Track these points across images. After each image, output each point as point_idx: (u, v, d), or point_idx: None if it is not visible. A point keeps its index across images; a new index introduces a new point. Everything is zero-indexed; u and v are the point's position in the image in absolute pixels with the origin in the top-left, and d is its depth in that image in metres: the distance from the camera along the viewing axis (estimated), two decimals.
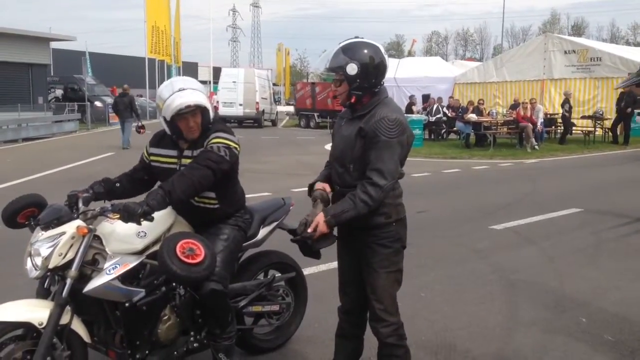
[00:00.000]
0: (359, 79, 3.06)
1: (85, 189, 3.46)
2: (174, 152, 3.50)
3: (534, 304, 5.03)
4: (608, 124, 20.68)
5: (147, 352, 3.28)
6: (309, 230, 3.05)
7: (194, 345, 3.50)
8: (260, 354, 4.03)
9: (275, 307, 3.98)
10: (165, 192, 3.05)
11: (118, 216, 3.05)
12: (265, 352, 4.04)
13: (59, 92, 34.12)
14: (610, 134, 20.53)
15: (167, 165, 3.51)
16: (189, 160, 3.37)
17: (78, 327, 3.12)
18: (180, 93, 3.34)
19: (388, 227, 3.14)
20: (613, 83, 22.33)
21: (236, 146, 3.43)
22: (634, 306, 5.02)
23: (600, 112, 20.88)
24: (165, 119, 3.39)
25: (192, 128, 3.39)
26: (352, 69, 3.04)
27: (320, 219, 3.04)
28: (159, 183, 3.45)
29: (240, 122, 30.63)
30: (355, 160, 3.09)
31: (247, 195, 3.87)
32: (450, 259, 6.48)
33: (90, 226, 3.12)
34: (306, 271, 5.42)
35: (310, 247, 3.09)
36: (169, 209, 3.39)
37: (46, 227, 3.07)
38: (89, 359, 3.27)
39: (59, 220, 3.07)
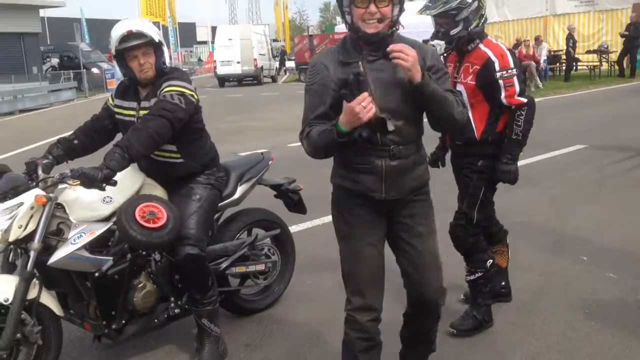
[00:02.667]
0: None
1: (44, 154, 3.28)
2: (134, 104, 3.33)
3: (532, 246, 4.86)
4: (614, 57, 20.14)
5: (123, 321, 3.16)
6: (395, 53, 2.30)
7: (175, 311, 3.38)
8: (250, 315, 3.91)
9: (261, 267, 3.84)
10: (123, 149, 2.88)
11: (78, 182, 2.87)
12: (254, 313, 3.92)
13: (54, 61, 33.70)
14: (616, 67, 20.00)
15: (127, 117, 3.34)
16: (146, 112, 3.19)
17: (48, 300, 2.99)
18: (122, 22, 3.19)
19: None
20: (618, 15, 21.68)
21: (192, 93, 3.23)
22: (636, 241, 4.85)
23: (606, 46, 20.31)
24: (115, 58, 3.23)
25: (143, 66, 3.19)
26: None
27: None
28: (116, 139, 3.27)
29: (240, 80, 30.21)
30: (416, 106, 2.44)
31: (243, 153, 3.68)
32: (448, 204, 6.30)
33: (51, 194, 2.96)
34: (299, 227, 5.31)
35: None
36: (135, 171, 3.24)
37: (2, 199, 2.91)
38: (69, 332, 3.19)
39: (16, 191, 2.91)
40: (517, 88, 3.27)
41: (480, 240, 3.58)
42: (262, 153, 4.02)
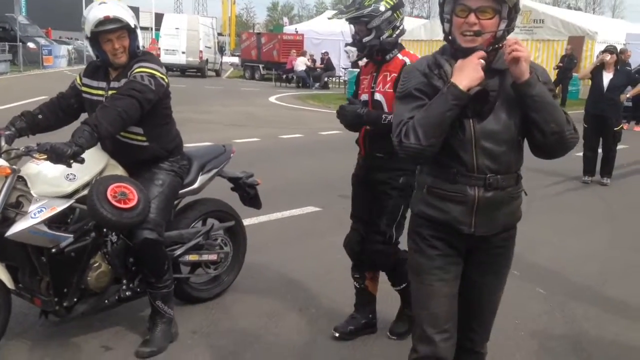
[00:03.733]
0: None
1: (6, 126, 3.22)
2: (103, 84, 3.32)
3: None
4: None
5: (75, 299, 3.15)
6: (510, 47, 2.07)
7: (127, 294, 3.39)
8: (197, 303, 3.94)
9: (213, 257, 3.89)
10: (92, 126, 2.87)
11: (45, 157, 2.86)
12: (202, 302, 3.96)
13: None
14: None
15: (95, 97, 3.33)
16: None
17: (0, 272, 2.95)
18: (99, 6, 3.16)
19: None
20: (554, 46, 22.85)
21: (162, 76, 3.26)
22: (563, 260, 5.20)
23: None
24: (88, 39, 3.20)
25: (117, 51, 3.20)
26: None
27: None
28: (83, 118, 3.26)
29: (183, 71, 29.76)
30: (520, 130, 2.21)
31: (188, 145, 3.72)
32: None
33: (14, 166, 2.92)
34: (246, 222, 5.36)
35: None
36: (99, 151, 3.23)
37: None
38: (16, 307, 3.14)
39: None
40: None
41: (400, 252, 3.39)
42: (223, 145, 4.07)
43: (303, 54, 25.86)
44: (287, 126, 12.98)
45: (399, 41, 3.31)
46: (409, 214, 2.49)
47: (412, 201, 2.36)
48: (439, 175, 2.22)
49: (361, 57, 3.34)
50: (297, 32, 30.35)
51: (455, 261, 2.29)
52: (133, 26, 3.22)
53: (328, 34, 28.79)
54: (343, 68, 25.50)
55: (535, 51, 23.38)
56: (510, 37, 2.16)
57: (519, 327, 3.91)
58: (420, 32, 26.78)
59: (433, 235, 2.26)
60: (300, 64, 24.90)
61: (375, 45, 3.21)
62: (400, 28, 3.27)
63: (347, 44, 3.38)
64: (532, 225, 6.23)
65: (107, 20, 3.12)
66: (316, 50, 27.34)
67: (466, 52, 2.12)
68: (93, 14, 3.13)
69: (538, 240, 5.77)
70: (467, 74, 2.06)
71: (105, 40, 3.18)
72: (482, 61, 2.10)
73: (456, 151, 2.16)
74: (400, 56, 3.26)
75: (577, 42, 21.95)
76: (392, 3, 3.21)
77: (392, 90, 3.16)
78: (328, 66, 25.84)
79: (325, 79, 25.55)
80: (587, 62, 21.13)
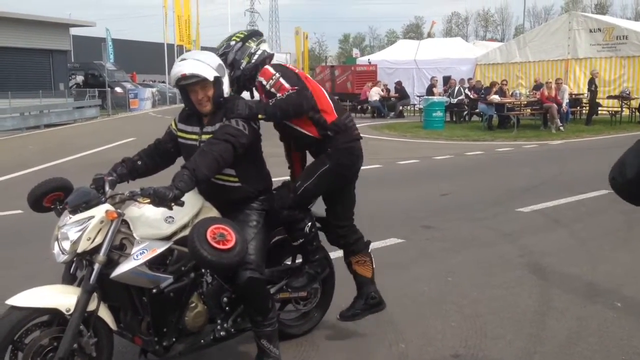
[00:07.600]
0: None
1: (109, 172, 3.42)
2: (197, 129, 3.47)
3: (565, 288, 4.90)
4: (635, 103, 20.23)
5: (173, 339, 3.23)
6: None
7: (221, 334, 3.44)
8: (288, 339, 3.96)
9: (303, 293, 3.91)
10: (190, 171, 3.01)
11: (148, 201, 3.00)
12: (292, 338, 3.98)
13: (79, 79, 34.32)
14: (637, 114, 20.08)
15: (190, 142, 3.48)
16: (209, 137, 3.34)
17: (104, 313, 3.09)
18: (180, 62, 3.33)
19: None
20: None
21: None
22: None
23: (627, 92, 20.43)
24: (179, 90, 3.43)
25: (201, 101, 3.35)
26: None
27: None
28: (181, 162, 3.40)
29: None
30: None
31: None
32: (477, 242, 6.36)
33: (119, 210, 3.08)
34: (332, 255, 5.37)
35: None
36: (195, 194, 3.34)
37: (74, 211, 3.02)
38: (116, 345, 3.26)
39: (88, 204, 3.02)
40: (287, 84, 3.49)
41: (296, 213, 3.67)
42: None
43: (377, 84, 25.94)
44: (365, 157, 12.99)
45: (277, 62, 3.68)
46: None
47: None
48: None
49: (235, 90, 3.68)
50: (370, 62, 30.56)
51: None
52: (212, 79, 3.31)
53: (401, 63, 28.85)
54: (417, 96, 25.40)
55: (620, 68, 22.47)
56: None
57: None
58: (496, 55, 26.37)
59: None
60: (375, 94, 24.98)
61: (239, 75, 3.58)
62: (258, 53, 3.60)
63: None
64: (631, 253, 5.94)
65: (185, 77, 3.28)
66: (390, 80, 27.36)
67: None
68: (174, 71, 3.32)
69: (638, 268, 5.46)
70: None
71: (191, 91, 3.35)
72: None
73: None
74: (259, 78, 3.61)
75: None
76: (241, 36, 3.63)
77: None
78: (402, 95, 25.79)
79: (400, 107, 25.47)
80: None
